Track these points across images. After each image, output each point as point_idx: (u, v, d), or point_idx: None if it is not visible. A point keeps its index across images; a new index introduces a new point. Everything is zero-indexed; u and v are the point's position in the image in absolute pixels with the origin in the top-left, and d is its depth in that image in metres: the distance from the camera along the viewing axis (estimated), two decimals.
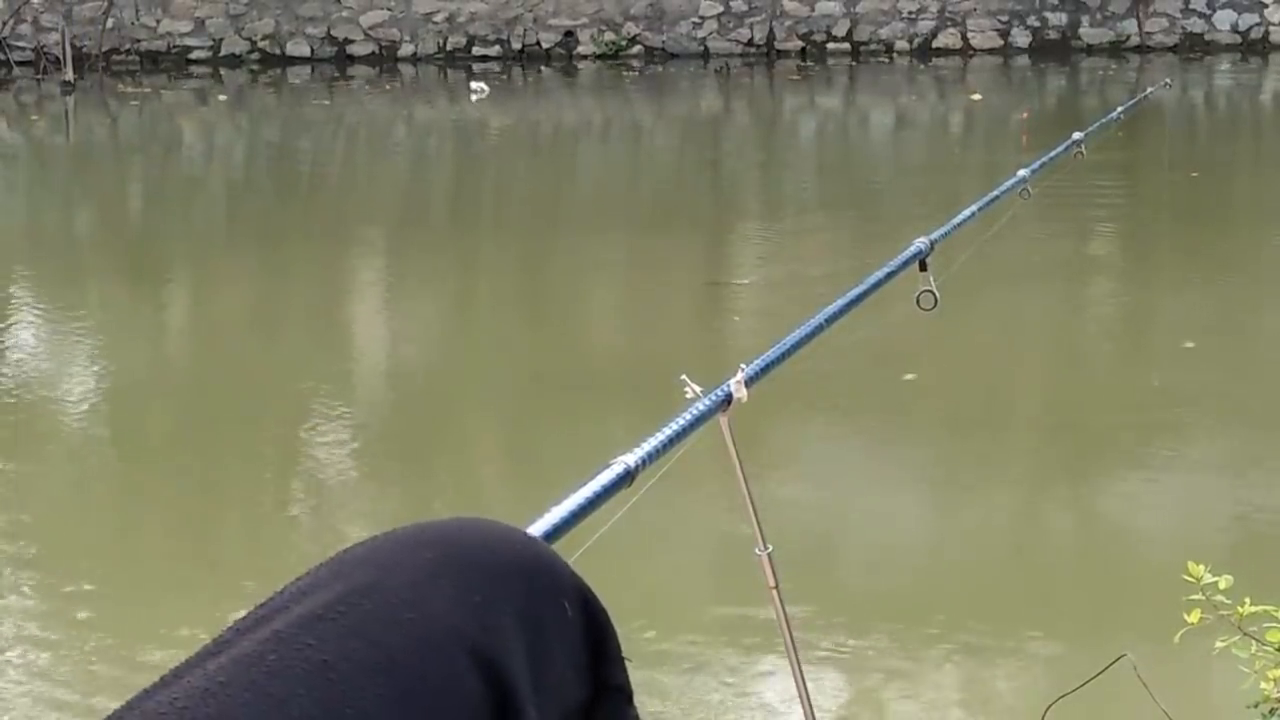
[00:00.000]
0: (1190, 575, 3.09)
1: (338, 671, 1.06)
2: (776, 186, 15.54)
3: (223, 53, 23.69)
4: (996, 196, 4.91)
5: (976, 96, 19.82)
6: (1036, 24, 23.86)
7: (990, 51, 23.67)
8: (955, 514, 6.71)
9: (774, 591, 2.83)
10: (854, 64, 23.44)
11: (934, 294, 3.74)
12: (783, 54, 23.76)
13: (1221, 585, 3.08)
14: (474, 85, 21.37)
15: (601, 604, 1.25)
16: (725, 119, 20.44)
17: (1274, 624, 3.10)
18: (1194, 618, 3.07)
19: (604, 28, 23.86)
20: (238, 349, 9.55)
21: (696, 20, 23.86)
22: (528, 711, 1.13)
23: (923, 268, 3.77)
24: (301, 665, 1.06)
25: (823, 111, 20.87)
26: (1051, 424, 7.68)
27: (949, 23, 23.90)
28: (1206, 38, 23.70)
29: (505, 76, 22.77)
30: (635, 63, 23.53)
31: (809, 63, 23.45)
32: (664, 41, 23.91)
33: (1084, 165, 7.02)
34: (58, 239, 13.63)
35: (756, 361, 2.85)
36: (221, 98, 20.76)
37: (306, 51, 23.90)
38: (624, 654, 1.24)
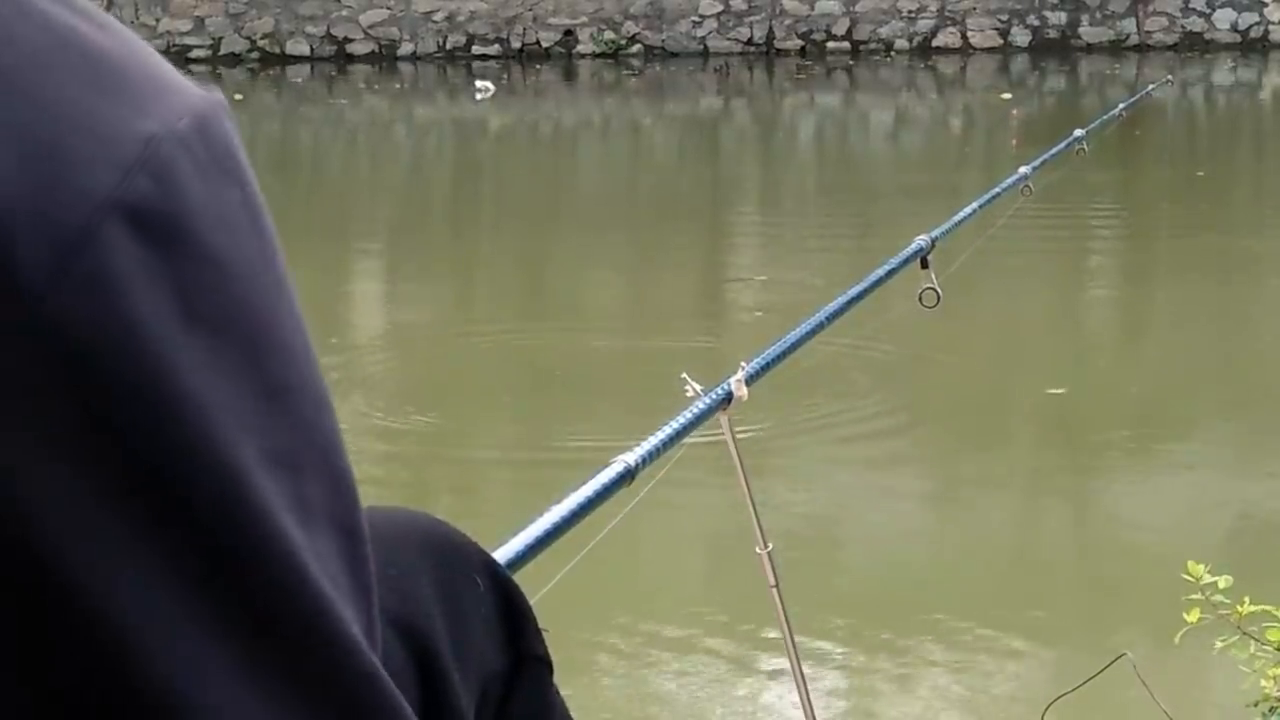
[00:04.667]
0: (1190, 575, 3.09)
1: None
2: (777, 185, 15.53)
3: (222, 52, 23.69)
4: (998, 193, 4.91)
5: (1006, 96, 19.76)
6: (1036, 23, 23.86)
7: (990, 50, 23.67)
8: (955, 512, 6.70)
9: (774, 590, 2.83)
10: (853, 63, 23.42)
11: (936, 291, 3.74)
12: (782, 53, 23.75)
13: (1221, 585, 3.07)
14: (479, 84, 21.35)
15: (513, 580, 1.28)
16: (726, 118, 20.43)
17: (1273, 623, 3.10)
18: (1193, 617, 3.07)
19: (603, 27, 23.85)
20: None
21: (696, 19, 23.86)
22: (451, 677, 1.16)
23: (924, 265, 3.77)
24: None
25: (823, 110, 20.87)
26: (1052, 422, 7.67)
27: (949, 22, 23.90)
28: (1206, 37, 23.70)
29: (505, 76, 22.76)
30: (635, 61, 23.52)
31: (809, 62, 23.45)
32: (664, 40, 23.91)
33: (1086, 162, 7.01)
34: None
35: (757, 359, 2.85)
36: (238, 97, 20.70)
37: (306, 50, 23.89)
38: (541, 626, 1.27)
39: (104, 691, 0.65)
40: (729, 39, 23.90)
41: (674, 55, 23.73)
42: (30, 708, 0.64)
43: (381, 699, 0.70)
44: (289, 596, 0.67)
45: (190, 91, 0.69)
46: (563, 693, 1.29)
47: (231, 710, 0.65)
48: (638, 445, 2.33)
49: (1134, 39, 23.72)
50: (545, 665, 1.27)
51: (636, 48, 23.87)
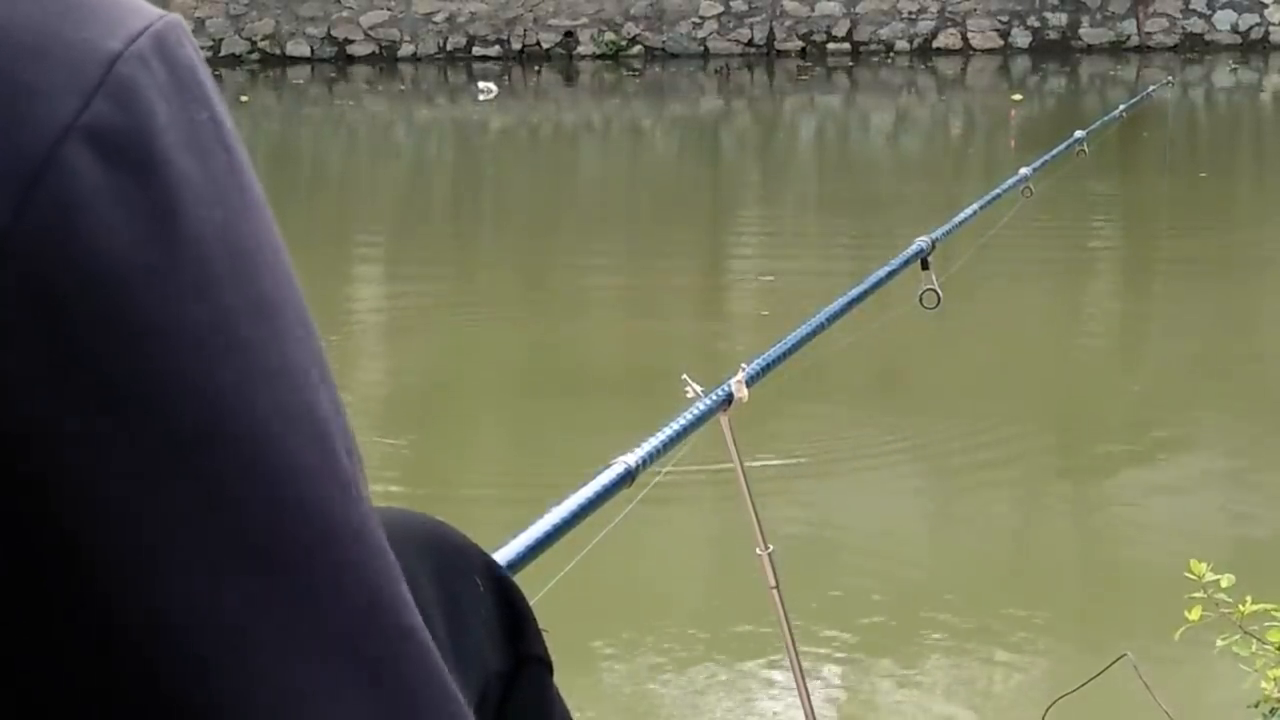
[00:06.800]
0: (1192, 573, 3.09)
1: None
2: (778, 186, 15.53)
3: (223, 53, 23.69)
4: (998, 195, 4.92)
5: (1018, 97, 19.74)
6: (1036, 24, 23.86)
7: (990, 51, 23.67)
8: (956, 512, 6.70)
9: (774, 591, 2.84)
10: (853, 64, 23.43)
11: (937, 292, 3.74)
12: (783, 54, 23.76)
13: (1223, 584, 3.07)
14: (481, 85, 21.34)
15: (513, 581, 1.28)
16: (726, 119, 20.43)
17: (1275, 623, 3.09)
18: (1195, 615, 3.07)
19: (604, 28, 23.85)
20: None
21: (696, 20, 23.86)
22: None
23: (925, 266, 3.77)
24: None
25: (823, 111, 20.87)
26: (1053, 421, 7.67)
27: (949, 23, 23.90)
28: (1206, 38, 23.70)
29: (505, 77, 22.76)
30: (635, 63, 23.53)
31: (809, 63, 23.45)
32: (664, 41, 23.91)
33: (1086, 163, 7.02)
34: None
35: (757, 361, 2.85)
36: (243, 98, 20.68)
37: (306, 51, 23.90)
38: (541, 627, 1.27)
39: (103, 627, 0.63)
40: (729, 40, 23.90)
41: (674, 56, 23.73)
42: (29, 638, 0.63)
43: (401, 617, 0.68)
44: (295, 517, 0.65)
45: (148, 11, 0.67)
46: (562, 693, 1.29)
47: (230, 623, 0.64)
48: (638, 446, 2.33)
49: (1134, 40, 23.72)
50: (545, 666, 1.27)
51: (637, 49, 23.87)
